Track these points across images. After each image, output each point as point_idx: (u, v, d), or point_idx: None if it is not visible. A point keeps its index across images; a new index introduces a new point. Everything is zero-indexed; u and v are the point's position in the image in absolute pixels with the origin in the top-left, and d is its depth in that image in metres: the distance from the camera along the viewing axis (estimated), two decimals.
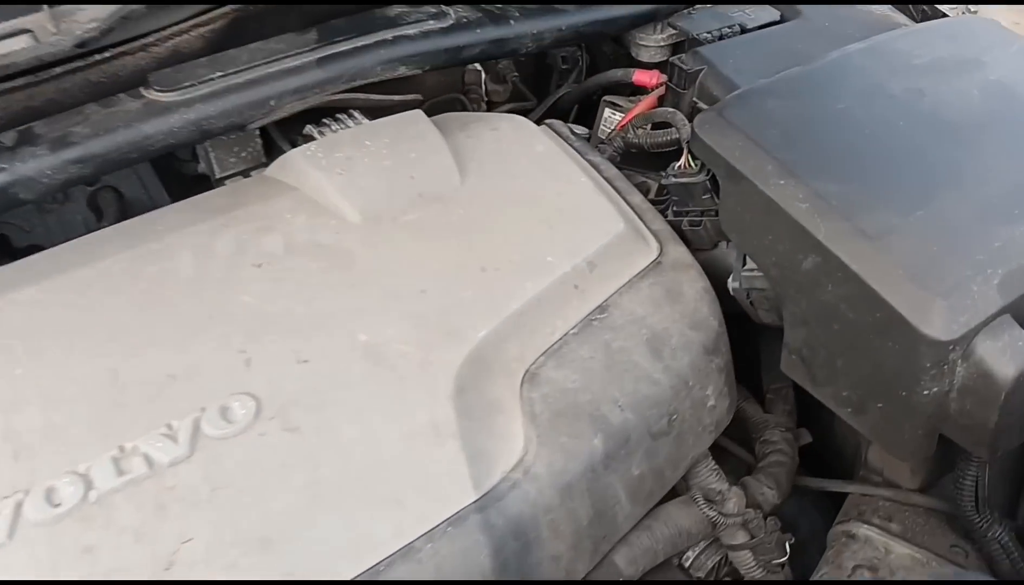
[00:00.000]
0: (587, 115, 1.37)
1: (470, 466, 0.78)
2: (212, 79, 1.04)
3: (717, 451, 1.02)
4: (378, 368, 0.85)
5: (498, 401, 0.85)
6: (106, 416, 0.80)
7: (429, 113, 1.11)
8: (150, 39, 1.06)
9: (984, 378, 0.79)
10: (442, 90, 1.36)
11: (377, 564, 0.72)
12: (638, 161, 1.21)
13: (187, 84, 1.03)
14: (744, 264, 1.02)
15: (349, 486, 0.76)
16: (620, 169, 1.14)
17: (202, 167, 1.14)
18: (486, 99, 1.41)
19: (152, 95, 1.02)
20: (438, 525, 0.75)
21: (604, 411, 0.87)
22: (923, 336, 0.79)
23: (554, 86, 1.45)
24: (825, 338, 0.91)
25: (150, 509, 0.73)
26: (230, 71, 1.05)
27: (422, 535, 0.74)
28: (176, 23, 1.07)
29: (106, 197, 1.15)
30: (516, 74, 1.45)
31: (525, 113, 1.33)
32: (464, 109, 1.39)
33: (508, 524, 0.77)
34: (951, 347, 0.80)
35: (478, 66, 1.38)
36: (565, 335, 0.91)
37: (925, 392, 0.82)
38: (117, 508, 0.73)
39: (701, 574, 0.97)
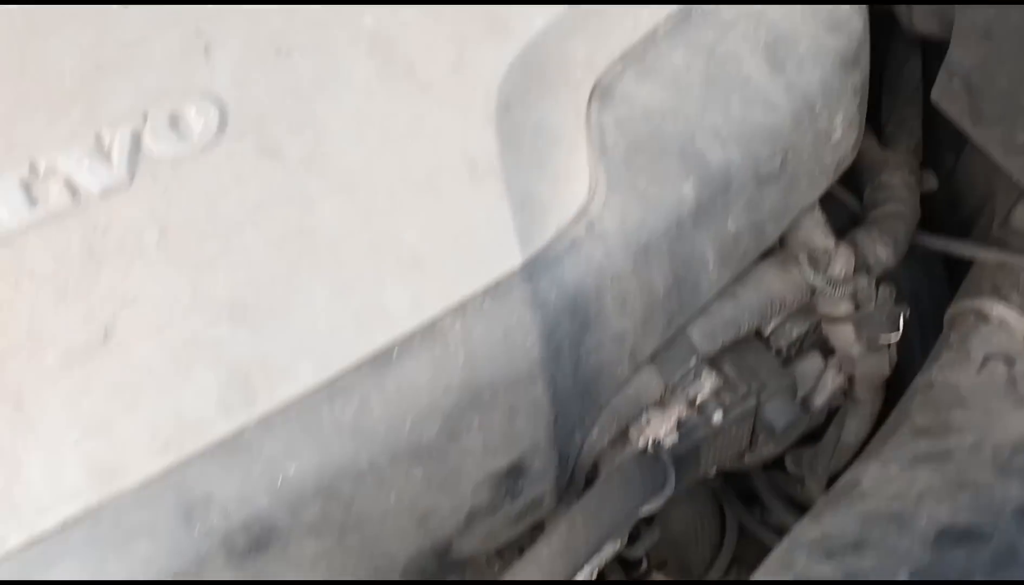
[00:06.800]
0: None
1: (515, 216, 0.57)
2: None
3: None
4: (389, 68, 0.61)
5: (556, 124, 0.61)
6: (6, 116, 0.57)
7: None
8: None
9: None
10: None
11: (388, 345, 0.53)
12: None
13: None
14: None
15: (349, 237, 0.55)
16: None
17: None
18: None
19: None
20: (471, 296, 0.55)
21: (700, 145, 0.63)
22: None
23: None
24: (1014, 62, 0.65)
25: (76, 256, 0.53)
26: None
27: (449, 308, 0.54)
28: None
29: None
30: None
31: None
32: None
33: (564, 297, 0.57)
34: None
35: None
36: (653, 32, 0.65)
37: None
38: (29, 252, 0.53)
39: (783, 344, 0.80)
